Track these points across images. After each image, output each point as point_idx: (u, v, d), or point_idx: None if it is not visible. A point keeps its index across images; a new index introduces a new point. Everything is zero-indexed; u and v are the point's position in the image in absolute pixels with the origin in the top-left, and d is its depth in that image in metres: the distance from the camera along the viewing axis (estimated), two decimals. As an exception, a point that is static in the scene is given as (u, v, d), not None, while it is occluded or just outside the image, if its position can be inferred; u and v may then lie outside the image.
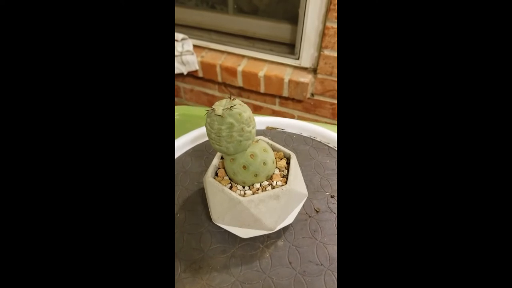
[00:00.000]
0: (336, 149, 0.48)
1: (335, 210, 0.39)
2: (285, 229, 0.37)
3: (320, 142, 0.49)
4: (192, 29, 1.14)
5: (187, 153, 0.47)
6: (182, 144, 0.48)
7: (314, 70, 1.00)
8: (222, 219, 0.33)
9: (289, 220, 0.35)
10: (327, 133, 0.49)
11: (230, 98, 0.30)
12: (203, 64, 1.07)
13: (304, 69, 1.01)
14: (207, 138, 0.49)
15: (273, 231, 0.33)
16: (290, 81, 0.99)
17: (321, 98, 1.02)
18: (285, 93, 1.02)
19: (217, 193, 0.32)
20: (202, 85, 1.17)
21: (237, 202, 0.31)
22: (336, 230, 0.37)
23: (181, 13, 1.13)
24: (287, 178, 0.34)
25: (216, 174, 0.35)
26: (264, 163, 0.33)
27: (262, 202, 0.31)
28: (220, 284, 0.31)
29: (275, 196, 0.32)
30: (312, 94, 1.02)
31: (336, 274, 0.33)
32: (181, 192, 0.41)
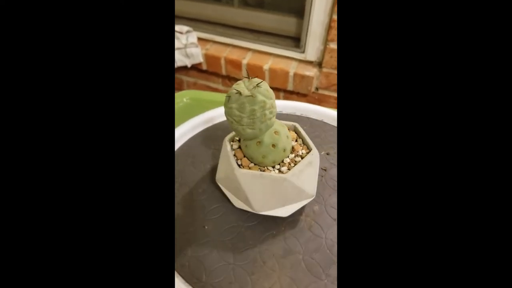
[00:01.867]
0: (308, 116, 0.52)
1: (336, 163, 0.43)
2: None
3: (288, 114, 0.52)
4: (197, 22, 1.13)
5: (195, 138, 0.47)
6: (192, 127, 0.48)
7: (319, 64, 1.00)
8: (267, 205, 0.32)
9: (316, 184, 0.36)
10: (299, 105, 0.52)
11: (249, 77, 0.30)
12: (207, 57, 1.07)
13: (309, 62, 1.01)
14: (210, 124, 0.49)
15: (313, 197, 0.35)
16: (295, 75, 0.99)
17: (326, 92, 1.02)
18: (290, 87, 1.02)
19: (256, 182, 0.32)
20: (206, 79, 1.16)
21: (282, 181, 0.31)
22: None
23: (186, 6, 1.13)
24: (306, 145, 0.36)
25: (238, 165, 0.34)
26: (287, 137, 0.33)
27: (302, 172, 0.32)
28: (294, 266, 0.31)
29: (309, 163, 0.33)
30: (317, 88, 1.02)
31: None
32: (195, 196, 0.39)
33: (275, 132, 0.32)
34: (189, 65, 1.08)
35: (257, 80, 0.30)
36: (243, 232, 0.34)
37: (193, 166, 0.43)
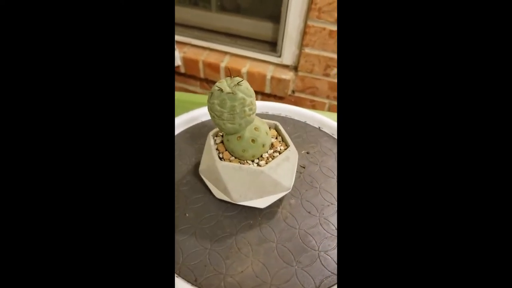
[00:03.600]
0: (292, 118, 0.55)
1: (316, 162, 0.46)
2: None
3: (274, 115, 0.55)
4: (177, 26, 1.14)
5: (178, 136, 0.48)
6: (178, 124, 0.49)
7: (295, 68, 1.04)
8: (245, 196, 0.34)
9: (293, 178, 0.38)
10: (283, 106, 0.56)
11: (231, 76, 0.32)
12: (185, 60, 1.08)
13: (286, 66, 1.05)
14: (196, 122, 0.51)
15: (289, 191, 0.37)
16: (272, 78, 1.02)
17: (302, 95, 1.06)
18: (267, 90, 1.05)
19: (235, 174, 0.34)
20: (184, 81, 1.17)
21: (259, 173, 0.33)
22: (326, 176, 0.43)
23: (163, 9, 1.13)
24: (285, 142, 0.39)
25: (220, 158, 0.36)
26: (267, 133, 0.35)
27: (279, 165, 0.35)
28: (267, 253, 0.33)
29: (286, 158, 0.36)
30: (293, 91, 1.06)
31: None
32: (179, 186, 0.41)
33: (255, 128, 0.35)
34: (167, 68, 1.09)
35: (238, 78, 0.32)
36: (222, 221, 0.36)
37: (179, 159, 0.44)
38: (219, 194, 0.37)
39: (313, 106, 1.07)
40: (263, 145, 0.35)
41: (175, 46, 1.06)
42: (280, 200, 0.39)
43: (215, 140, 0.38)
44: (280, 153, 0.37)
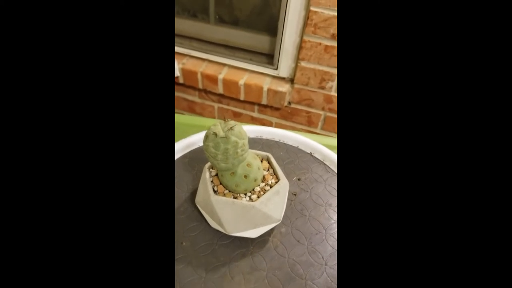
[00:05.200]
0: (285, 142, 0.57)
1: (307, 189, 0.48)
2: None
3: (268, 139, 0.57)
4: (176, 37, 1.16)
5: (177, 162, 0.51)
6: (176, 151, 0.51)
7: (291, 80, 1.06)
8: (238, 228, 0.37)
9: (284, 209, 0.41)
10: (277, 131, 0.58)
11: (225, 120, 0.35)
12: (184, 71, 1.10)
13: (282, 79, 1.07)
14: (194, 147, 0.53)
15: (279, 222, 0.39)
16: (268, 90, 1.04)
17: (298, 107, 1.09)
18: (264, 101, 1.08)
19: (228, 207, 0.36)
20: (183, 91, 1.19)
21: (250, 207, 0.36)
22: (315, 203, 0.46)
23: (162, 20, 1.15)
24: (276, 175, 0.41)
25: (214, 191, 0.39)
26: (259, 168, 0.38)
27: (269, 200, 0.37)
28: (258, 282, 0.36)
29: (276, 192, 0.38)
30: (289, 103, 1.08)
31: (335, 235, 0.42)
32: (176, 214, 0.43)
33: (248, 165, 0.37)
34: (166, 78, 1.11)
35: (232, 123, 0.34)
36: (216, 250, 0.39)
37: (176, 186, 0.47)
38: (214, 225, 0.39)
39: (309, 117, 1.10)
40: (255, 180, 0.38)
41: (174, 57, 1.08)
42: (272, 229, 0.42)
43: (210, 173, 0.41)
44: (271, 186, 0.39)
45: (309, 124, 1.12)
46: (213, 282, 0.36)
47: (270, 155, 0.43)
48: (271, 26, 1.02)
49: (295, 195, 0.47)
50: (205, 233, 0.41)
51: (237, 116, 1.18)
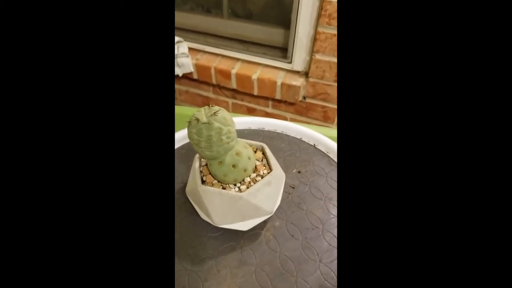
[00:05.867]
0: (287, 134, 0.54)
1: (307, 182, 0.45)
2: (276, 211, 0.41)
3: (269, 131, 0.55)
4: (187, 32, 1.16)
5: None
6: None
7: (306, 74, 1.03)
8: (225, 219, 0.35)
9: (278, 201, 0.38)
10: (279, 123, 0.55)
11: (209, 105, 0.33)
12: (198, 67, 1.10)
13: (296, 72, 1.04)
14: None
15: (271, 214, 0.37)
16: (282, 84, 1.02)
17: (313, 101, 1.05)
18: (278, 96, 1.05)
19: (215, 198, 0.35)
20: (197, 87, 1.19)
21: (238, 198, 0.34)
22: (314, 197, 0.43)
23: (176, 17, 1.16)
24: (269, 166, 0.39)
25: (203, 181, 0.38)
26: (249, 158, 0.36)
27: (259, 191, 0.35)
28: (244, 277, 0.34)
29: (267, 183, 0.36)
30: (304, 97, 1.05)
31: (334, 230, 0.39)
32: None
33: (237, 154, 0.35)
34: (180, 74, 1.12)
35: (216, 108, 0.33)
36: (205, 242, 0.37)
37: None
38: (203, 216, 0.38)
39: (325, 112, 1.06)
40: (245, 170, 0.36)
41: (188, 53, 1.09)
42: (265, 222, 0.40)
43: (200, 163, 0.39)
44: (262, 177, 0.37)
45: (325, 120, 1.08)
46: (198, 274, 0.34)
47: (264, 145, 0.41)
48: (285, 18, 0.99)
49: (293, 187, 0.44)
50: (195, 225, 0.39)
51: (251, 112, 1.17)
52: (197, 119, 0.32)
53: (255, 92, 1.07)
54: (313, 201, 0.42)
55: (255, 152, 0.41)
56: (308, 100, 1.06)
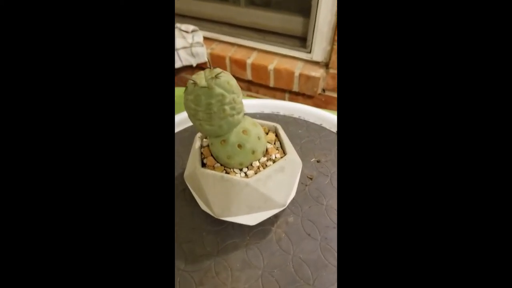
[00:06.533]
0: (306, 119, 0.48)
1: (327, 173, 0.38)
2: (289, 204, 0.34)
3: (285, 115, 0.48)
4: (203, 21, 1.12)
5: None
6: (178, 122, 0.45)
7: (326, 65, 0.95)
8: (228, 210, 0.29)
9: (292, 194, 0.32)
10: (297, 106, 0.48)
11: (210, 67, 0.27)
12: (212, 56, 1.05)
13: (316, 63, 0.97)
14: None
15: (284, 207, 0.31)
16: (300, 75, 0.95)
17: (333, 94, 0.98)
18: (295, 88, 0.99)
19: (216, 184, 0.29)
20: (211, 79, 1.14)
21: (243, 185, 0.28)
22: (335, 190, 0.36)
23: (192, 5, 1.12)
24: (283, 149, 0.32)
25: (203, 164, 0.31)
26: (259, 138, 0.29)
27: (269, 178, 0.29)
28: (248, 282, 0.28)
29: (280, 169, 0.30)
30: (324, 90, 0.98)
31: None
32: None
33: (244, 131, 0.29)
34: (194, 64, 1.07)
35: (218, 70, 0.27)
36: (203, 237, 0.31)
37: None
38: (203, 206, 0.32)
39: (346, 107, 0.98)
40: (253, 152, 0.29)
41: (203, 42, 1.04)
42: (276, 217, 0.33)
43: (202, 143, 0.33)
44: (274, 162, 0.31)
45: (345, 115, 1.01)
46: (191, 276, 0.28)
47: (278, 126, 0.34)
48: (304, 5, 0.93)
49: (311, 179, 0.37)
50: (194, 216, 0.33)
51: (266, 106, 1.10)
52: (195, 83, 0.25)
53: (271, 84, 1.01)
54: (334, 195, 0.35)
55: (267, 133, 0.34)
56: (327, 93, 0.98)
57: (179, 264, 0.29)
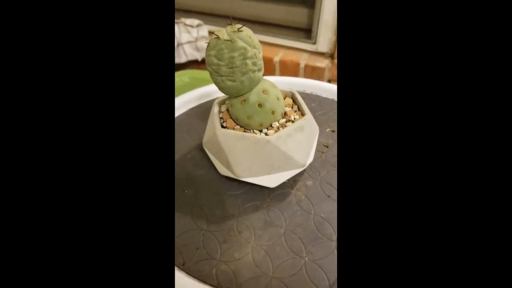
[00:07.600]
0: (319, 95, 0.49)
1: None
2: (307, 169, 0.35)
3: (298, 91, 0.49)
4: (208, 16, 1.13)
5: (188, 112, 0.44)
6: (188, 100, 0.45)
7: (331, 55, 0.96)
8: (249, 170, 0.29)
9: (311, 157, 0.32)
10: (309, 82, 0.49)
11: (231, 24, 0.27)
12: (217, 50, 1.06)
13: (321, 54, 0.97)
14: (209, 98, 0.46)
15: (304, 168, 0.31)
16: (306, 66, 0.95)
17: (339, 85, 0.98)
18: (301, 79, 0.99)
19: (237, 143, 0.29)
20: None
21: (265, 143, 0.28)
22: None
23: (197, 0, 1.13)
24: (301, 112, 0.33)
25: (223, 126, 0.32)
26: (278, 98, 0.29)
27: (290, 136, 0.29)
28: (272, 239, 0.28)
29: (299, 128, 0.30)
30: (329, 80, 0.98)
31: None
32: (182, 161, 0.37)
33: (263, 91, 0.29)
34: (199, 59, 1.08)
35: (239, 25, 0.27)
36: (224, 200, 0.31)
37: (187, 134, 0.40)
38: (222, 170, 0.32)
39: (352, 97, 0.99)
40: (273, 112, 0.30)
41: (208, 36, 1.05)
42: (295, 181, 0.33)
43: (220, 109, 0.33)
44: (293, 122, 0.31)
45: (351, 105, 1.01)
46: (215, 235, 0.28)
47: (295, 91, 0.35)
48: (310, -4, 0.93)
49: (327, 146, 0.37)
50: (213, 181, 0.33)
51: (272, 98, 1.11)
52: (218, 37, 0.26)
53: (277, 75, 1.02)
54: (352, 161, 0.35)
55: (284, 99, 0.35)
56: (333, 83, 0.99)
57: (201, 225, 0.29)
